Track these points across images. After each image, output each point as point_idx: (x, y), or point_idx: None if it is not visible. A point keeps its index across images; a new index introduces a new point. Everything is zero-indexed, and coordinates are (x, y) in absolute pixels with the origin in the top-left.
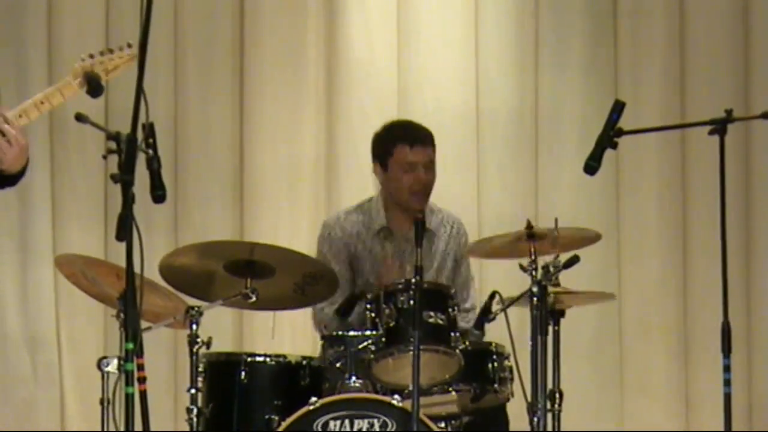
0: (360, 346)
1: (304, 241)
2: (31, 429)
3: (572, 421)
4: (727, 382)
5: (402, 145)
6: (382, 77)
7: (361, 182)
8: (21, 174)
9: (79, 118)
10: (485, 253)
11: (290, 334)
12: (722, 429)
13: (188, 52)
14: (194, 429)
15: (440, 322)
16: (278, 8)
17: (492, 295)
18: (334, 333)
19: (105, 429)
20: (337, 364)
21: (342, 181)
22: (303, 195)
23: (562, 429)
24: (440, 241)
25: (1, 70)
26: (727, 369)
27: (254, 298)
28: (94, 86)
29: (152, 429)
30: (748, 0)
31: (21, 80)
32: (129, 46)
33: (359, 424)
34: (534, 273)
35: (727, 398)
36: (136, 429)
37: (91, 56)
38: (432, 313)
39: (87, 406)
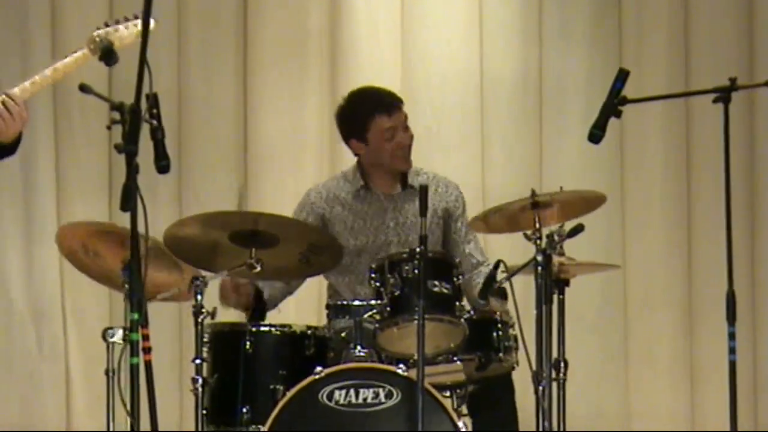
0: (365, 316)
1: None
2: (37, 401)
3: (577, 390)
4: (732, 350)
5: (379, 115)
6: (385, 49)
7: None
8: (17, 143)
9: (83, 88)
10: (490, 225)
11: (295, 304)
12: (727, 398)
13: (191, 23)
14: (199, 399)
15: (445, 291)
16: None
17: (497, 264)
18: (339, 302)
19: (110, 400)
20: (342, 334)
21: (345, 150)
22: (306, 165)
23: (566, 398)
24: (432, 199)
25: (4, 50)
26: (732, 337)
27: (259, 268)
28: (108, 54)
29: (157, 399)
30: None
31: (24, 59)
32: (135, 17)
33: (364, 393)
34: (538, 242)
35: (732, 366)
36: (141, 399)
37: (106, 25)
38: (437, 283)
39: (92, 377)
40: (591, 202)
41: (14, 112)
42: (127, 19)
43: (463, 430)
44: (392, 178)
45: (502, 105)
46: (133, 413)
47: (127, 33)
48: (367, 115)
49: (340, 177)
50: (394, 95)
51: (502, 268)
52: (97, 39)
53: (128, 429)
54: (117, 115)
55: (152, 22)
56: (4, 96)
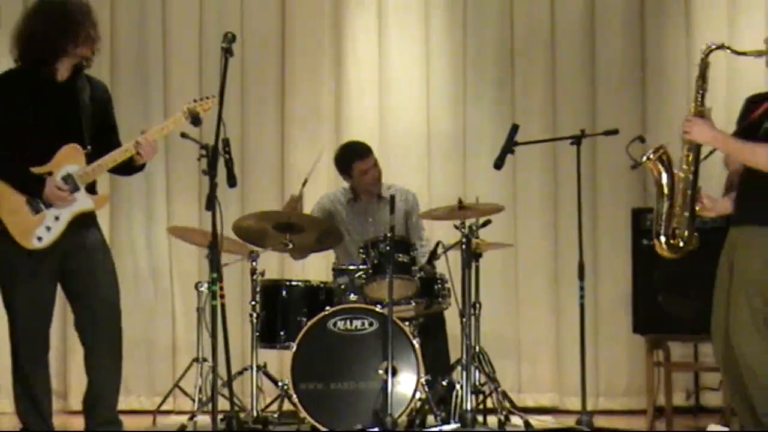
0: (356, 276)
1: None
2: (154, 327)
3: (486, 322)
4: (582, 297)
5: (356, 161)
6: (369, 113)
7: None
8: (144, 165)
9: (184, 135)
10: (433, 217)
11: (313, 268)
12: (578, 327)
13: (249, 95)
14: (254, 326)
15: (405, 260)
16: (305, 63)
17: (437, 244)
18: (340, 267)
19: (199, 327)
20: (342, 286)
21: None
22: (320, 185)
23: (479, 326)
24: (397, 205)
25: (131, 106)
26: (581, 288)
27: (291, 246)
28: (196, 120)
29: (228, 327)
30: (594, 53)
31: (145, 114)
32: (213, 96)
33: (355, 322)
34: (463, 230)
35: (582, 307)
36: (218, 327)
37: (194, 101)
38: (400, 255)
39: (188, 313)
40: (494, 207)
41: (147, 148)
42: (207, 98)
43: (416, 345)
44: (369, 193)
45: (441, 144)
46: (214, 334)
47: (207, 106)
48: (350, 161)
49: (341, 190)
50: (365, 147)
51: (440, 246)
52: (188, 109)
53: (211, 343)
54: (203, 152)
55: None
56: (143, 137)
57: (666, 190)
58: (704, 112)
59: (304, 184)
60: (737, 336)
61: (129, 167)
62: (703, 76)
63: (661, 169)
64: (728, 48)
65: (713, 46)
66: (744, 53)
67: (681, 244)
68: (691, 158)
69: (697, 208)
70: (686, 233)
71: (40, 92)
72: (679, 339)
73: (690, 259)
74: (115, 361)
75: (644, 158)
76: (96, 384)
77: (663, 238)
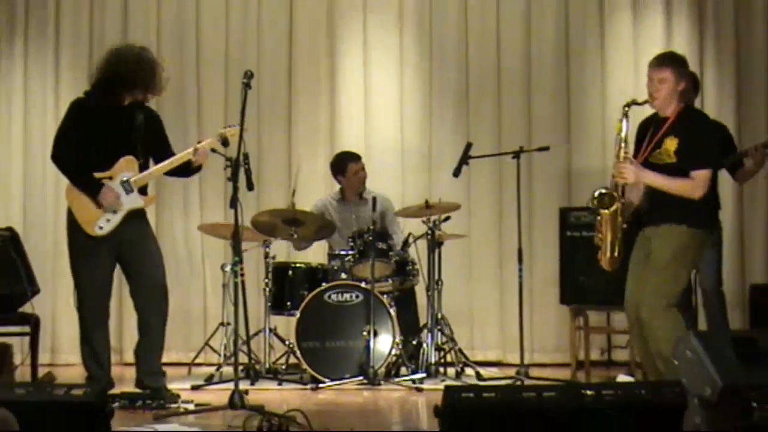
0: (346, 259)
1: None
2: (187, 297)
3: (446, 295)
4: (520, 276)
5: (351, 162)
6: (356, 130)
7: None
8: (198, 171)
9: (213, 151)
10: (406, 214)
11: (313, 253)
12: (518, 299)
13: (263, 118)
14: (266, 298)
15: (383, 247)
16: (307, 94)
17: (408, 235)
18: (334, 252)
19: (224, 298)
20: (335, 267)
21: (332, 184)
22: (317, 190)
23: (441, 299)
24: (377, 206)
25: (171, 127)
26: (520, 269)
27: (296, 236)
28: (225, 142)
29: (246, 299)
30: (530, 88)
31: (183, 132)
32: (236, 125)
33: (345, 295)
34: (428, 224)
35: (520, 284)
36: (238, 298)
37: (224, 127)
38: (380, 243)
39: (216, 288)
40: (452, 206)
41: (202, 153)
42: (232, 126)
43: (392, 313)
44: (355, 194)
45: (412, 158)
46: (235, 304)
47: (233, 132)
48: (346, 162)
49: (332, 194)
50: (357, 153)
51: (411, 236)
52: (220, 134)
53: (233, 311)
54: (228, 163)
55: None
56: (200, 145)
57: (608, 228)
58: (630, 158)
59: (293, 194)
60: (648, 313)
61: (189, 170)
62: (624, 127)
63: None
64: (634, 101)
65: (627, 108)
66: (643, 102)
67: (619, 256)
68: (620, 191)
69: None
70: (621, 249)
71: (105, 116)
72: (595, 308)
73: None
74: (161, 325)
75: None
76: (145, 342)
77: (609, 257)
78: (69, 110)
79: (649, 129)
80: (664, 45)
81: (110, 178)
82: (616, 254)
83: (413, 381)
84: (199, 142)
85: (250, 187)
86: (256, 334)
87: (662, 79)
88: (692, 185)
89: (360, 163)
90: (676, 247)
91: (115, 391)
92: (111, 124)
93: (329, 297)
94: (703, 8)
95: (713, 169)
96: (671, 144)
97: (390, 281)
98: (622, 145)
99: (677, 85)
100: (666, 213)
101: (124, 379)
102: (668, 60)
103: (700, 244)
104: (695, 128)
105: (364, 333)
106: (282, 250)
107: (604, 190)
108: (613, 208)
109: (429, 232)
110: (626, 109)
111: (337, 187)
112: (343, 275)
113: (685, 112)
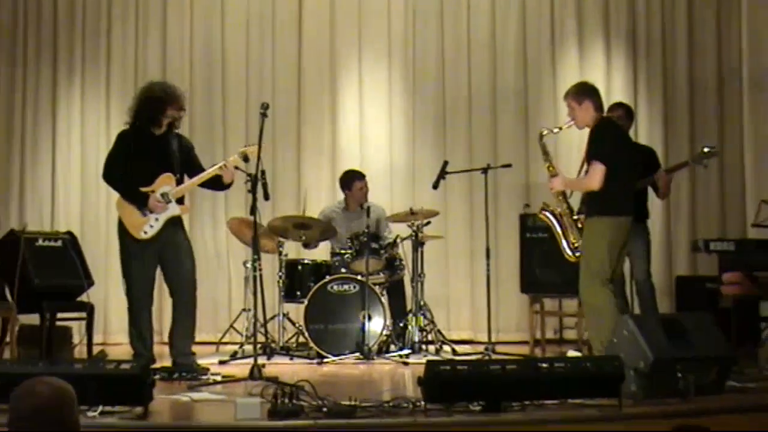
0: (345, 256)
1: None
2: (212, 290)
3: (427, 286)
4: (488, 270)
5: (357, 181)
6: (353, 151)
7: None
8: (230, 186)
9: (236, 168)
10: (394, 220)
11: (319, 253)
12: (486, 289)
13: (278, 141)
14: (280, 288)
15: (376, 247)
16: (313, 123)
17: (396, 237)
18: (336, 250)
19: (245, 289)
20: (336, 263)
21: (337, 195)
22: (321, 198)
23: (424, 289)
24: (372, 214)
25: (201, 148)
26: (488, 264)
27: (304, 238)
28: (245, 158)
29: (263, 289)
30: (496, 114)
31: (211, 153)
32: (255, 144)
33: (344, 286)
34: (413, 228)
35: (488, 276)
36: (257, 288)
37: (245, 146)
38: (373, 243)
39: (239, 280)
40: (432, 213)
41: (229, 169)
42: (251, 144)
43: (383, 301)
44: (357, 205)
45: (399, 174)
46: (255, 293)
47: (252, 150)
48: (353, 180)
49: (337, 203)
50: (362, 173)
51: (398, 238)
52: (241, 152)
53: (253, 299)
54: (249, 178)
55: (257, 148)
56: (228, 161)
57: (559, 229)
58: (556, 172)
59: (304, 204)
60: (585, 293)
61: (220, 185)
62: (545, 152)
63: (550, 218)
64: (549, 130)
65: (544, 132)
66: (560, 128)
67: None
68: (561, 198)
69: (579, 225)
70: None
71: (147, 142)
72: (549, 296)
73: (556, 246)
74: (191, 314)
75: (540, 213)
76: (177, 329)
77: (570, 252)
78: (116, 140)
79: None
80: (604, 78)
81: (152, 191)
82: (576, 244)
83: (401, 356)
84: (224, 161)
85: (266, 197)
86: (271, 318)
87: (569, 105)
88: (588, 179)
89: (364, 180)
90: (597, 235)
91: (156, 365)
92: (151, 149)
93: (332, 287)
94: (637, 47)
95: (603, 162)
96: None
97: (381, 274)
98: (548, 163)
99: (580, 104)
100: (589, 208)
101: (164, 356)
102: (569, 90)
103: (617, 229)
104: (593, 135)
105: (360, 317)
106: (293, 248)
107: (543, 205)
108: (544, 209)
109: (413, 234)
110: (544, 134)
111: (341, 196)
112: (343, 270)
113: (598, 123)
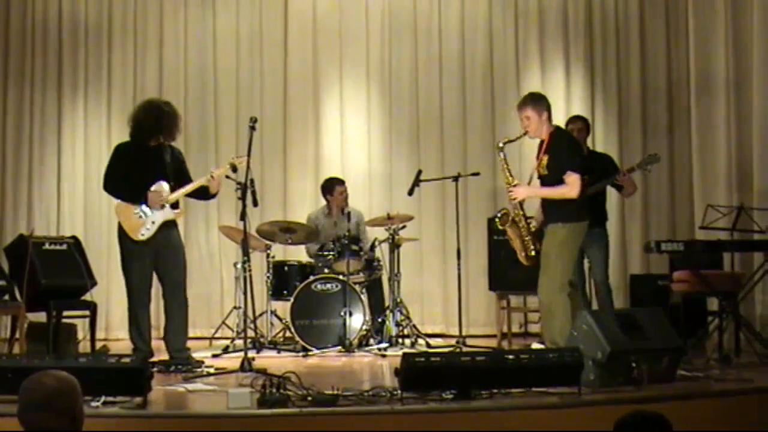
0: (328, 258)
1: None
2: (206, 288)
3: (403, 284)
4: (459, 269)
5: (337, 186)
6: (334, 160)
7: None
8: (215, 195)
9: (227, 177)
10: (373, 224)
11: (304, 253)
12: (457, 286)
13: (265, 151)
14: (268, 287)
15: (356, 249)
16: (299, 133)
17: (374, 240)
18: (319, 252)
19: (236, 288)
20: (320, 264)
21: (319, 201)
22: (307, 205)
23: (400, 287)
24: (352, 218)
25: (195, 158)
26: (459, 264)
27: (290, 240)
28: (234, 168)
29: (253, 288)
30: (466, 128)
31: (205, 162)
32: (244, 156)
33: (327, 285)
34: (390, 231)
35: (459, 275)
36: (247, 288)
37: (234, 157)
38: (354, 245)
39: (230, 280)
40: (407, 217)
41: (216, 180)
42: (240, 156)
43: (363, 298)
44: (338, 210)
45: (377, 181)
46: (245, 292)
47: (240, 160)
48: (334, 185)
49: (320, 209)
50: (341, 179)
51: (377, 240)
52: (230, 163)
53: (243, 297)
54: (239, 186)
55: (246, 158)
56: (215, 173)
57: (514, 236)
58: (515, 182)
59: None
60: (544, 295)
61: (207, 195)
62: (505, 161)
63: (507, 228)
64: (507, 141)
65: (500, 144)
66: (518, 138)
67: (533, 254)
68: (518, 206)
69: (533, 228)
70: (535, 246)
71: (142, 154)
72: (515, 293)
73: None
74: (182, 313)
75: (500, 225)
76: (169, 326)
77: (524, 256)
78: (113, 153)
79: (539, 149)
80: (565, 94)
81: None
82: (531, 253)
83: (379, 349)
84: (212, 171)
85: (255, 204)
86: (260, 315)
87: (527, 116)
88: (568, 188)
89: (344, 186)
90: (558, 242)
91: (154, 359)
92: (146, 160)
93: (315, 286)
94: (594, 65)
95: (576, 171)
96: (545, 160)
97: (361, 274)
98: (507, 173)
99: (540, 115)
100: (550, 215)
101: (161, 350)
102: (527, 100)
103: (578, 234)
104: (560, 146)
105: (342, 313)
106: (279, 251)
107: (498, 213)
108: (508, 223)
109: (390, 237)
110: (501, 146)
111: (323, 203)
112: (326, 270)
113: (554, 133)
